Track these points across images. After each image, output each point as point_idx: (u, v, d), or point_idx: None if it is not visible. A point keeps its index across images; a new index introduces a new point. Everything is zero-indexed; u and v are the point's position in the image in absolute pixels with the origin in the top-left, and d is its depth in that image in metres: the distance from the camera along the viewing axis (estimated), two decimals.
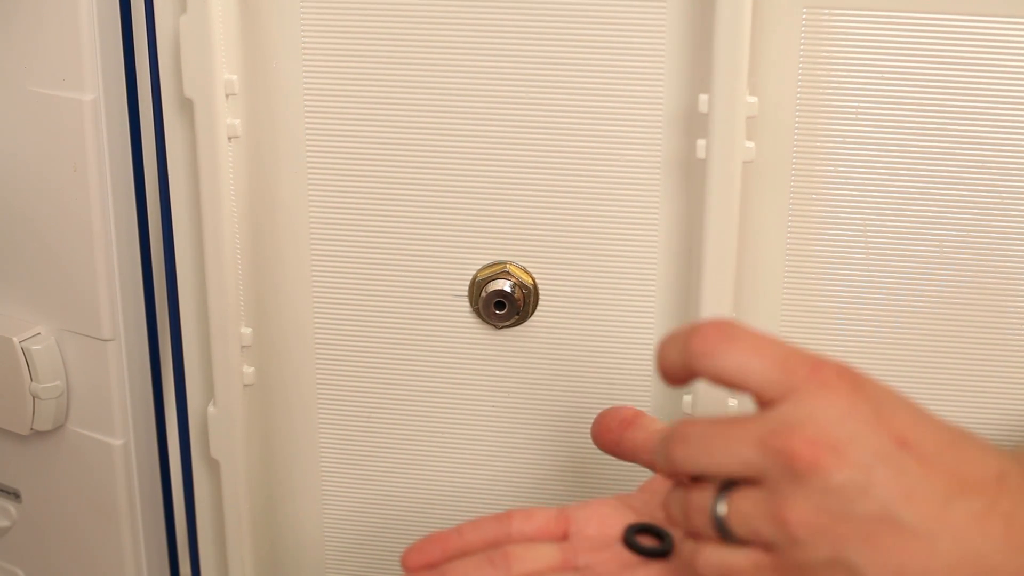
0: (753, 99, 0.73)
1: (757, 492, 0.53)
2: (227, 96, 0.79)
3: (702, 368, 0.54)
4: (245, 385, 0.85)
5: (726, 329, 0.54)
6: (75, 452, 0.93)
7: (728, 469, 0.53)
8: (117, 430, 0.91)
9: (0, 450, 0.96)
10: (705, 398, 0.78)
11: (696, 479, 0.56)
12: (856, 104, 0.75)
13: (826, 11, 0.73)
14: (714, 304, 0.76)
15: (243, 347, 0.84)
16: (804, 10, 0.73)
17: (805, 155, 0.76)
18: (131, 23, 0.83)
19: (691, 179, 0.77)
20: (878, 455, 0.51)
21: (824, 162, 0.76)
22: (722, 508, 0.54)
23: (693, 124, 0.76)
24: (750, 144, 0.73)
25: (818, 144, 0.76)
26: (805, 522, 0.51)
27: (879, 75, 0.74)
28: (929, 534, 0.51)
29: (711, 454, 0.54)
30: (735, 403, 0.80)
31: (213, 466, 0.88)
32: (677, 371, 0.56)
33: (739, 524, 0.54)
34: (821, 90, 0.75)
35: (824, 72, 0.74)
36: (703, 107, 0.73)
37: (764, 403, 0.54)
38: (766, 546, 0.53)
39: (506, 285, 0.82)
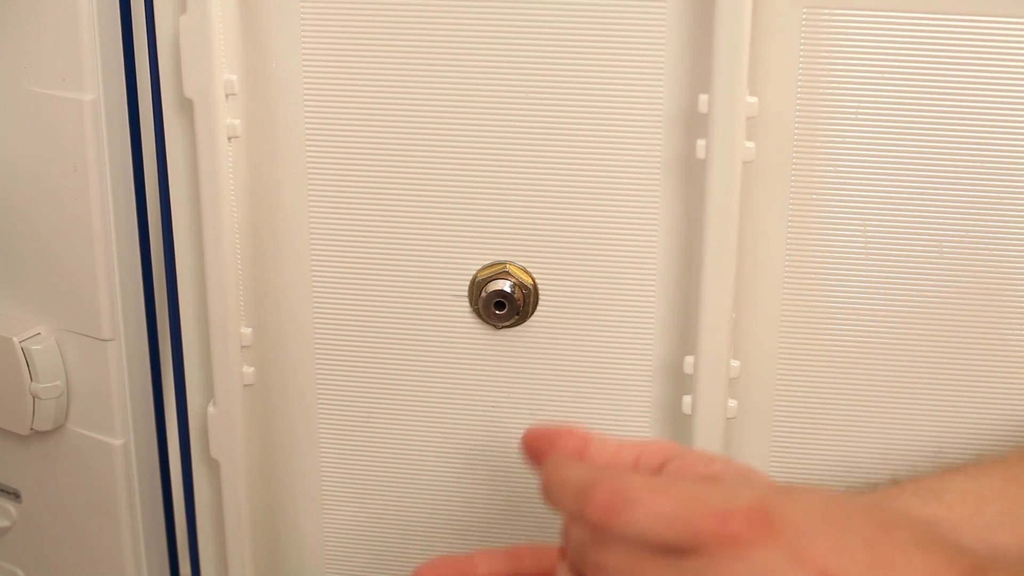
0: (753, 99, 0.73)
1: None
2: (227, 96, 0.79)
3: (608, 526, 0.52)
4: (245, 385, 0.85)
5: (620, 496, 0.52)
6: (75, 452, 0.93)
7: None
8: (117, 430, 0.91)
9: (0, 450, 0.96)
10: (705, 398, 0.78)
11: None
12: (856, 104, 0.75)
13: (826, 11, 0.73)
14: (714, 304, 0.76)
15: (243, 347, 0.84)
16: (804, 10, 0.73)
17: (805, 155, 0.76)
18: (131, 23, 0.83)
19: (691, 179, 0.77)
20: None
21: (824, 162, 0.76)
22: None
23: (693, 124, 0.76)
24: (750, 144, 0.73)
25: (818, 144, 0.76)
26: None
27: (879, 75, 0.74)
28: None
29: None
30: (734, 403, 0.80)
31: (213, 466, 0.88)
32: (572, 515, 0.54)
33: None
34: (821, 90, 0.75)
35: (824, 72, 0.74)
36: (703, 107, 0.73)
37: (679, 554, 0.51)
38: None
39: (506, 285, 0.82)
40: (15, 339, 0.89)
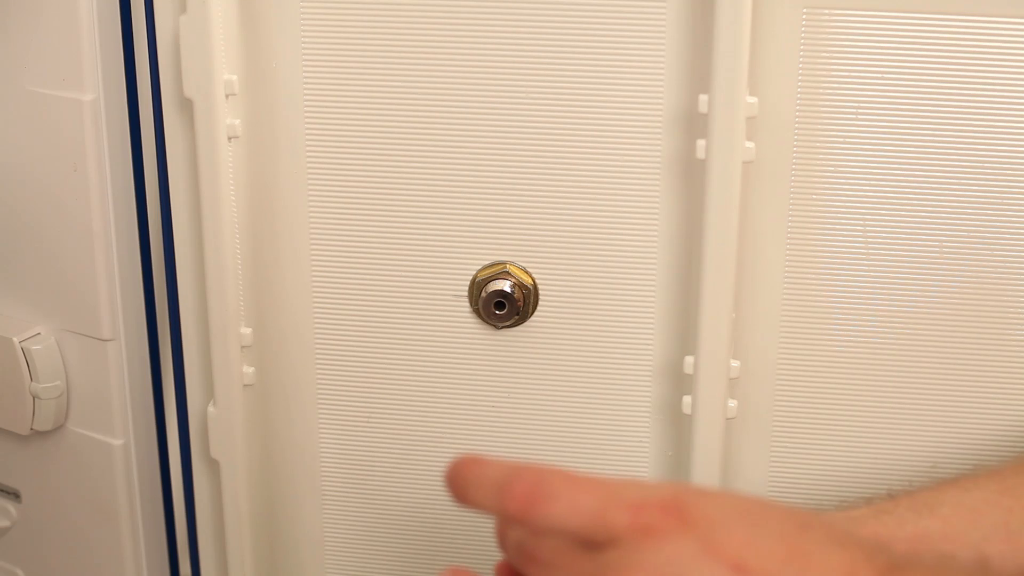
0: (753, 99, 0.73)
1: None
2: (227, 96, 0.79)
3: (529, 521, 0.52)
4: (245, 385, 0.85)
5: (539, 489, 0.52)
6: (75, 452, 0.93)
7: None
8: (117, 430, 0.91)
9: (0, 450, 0.96)
10: (705, 398, 0.78)
11: None
12: (856, 104, 0.75)
13: (826, 11, 0.73)
14: (714, 304, 0.76)
15: (243, 347, 0.84)
16: (804, 10, 0.73)
17: (805, 155, 0.76)
18: (131, 23, 0.83)
19: (691, 179, 0.77)
20: None
21: (824, 162, 0.76)
22: None
23: (693, 124, 0.76)
24: (750, 144, 0.73)
25: (818, 144, 0.76)
26: None
27: (879, 75, 0.74)
28: None
29: None
30: (734, 403, 0.80)
31: (213, 466, 0.88)
32: (490, 510, 0.54)
33: None
34: (821, 90, 0.75)
35: (824, 72, 0.74)
36: (703, 107, 0.73)
37: (594, 547, 0.51)
38: None
39: (506, 285, 0.82)
40: (15, 339, 0.89)
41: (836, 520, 0.67)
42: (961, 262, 0.77)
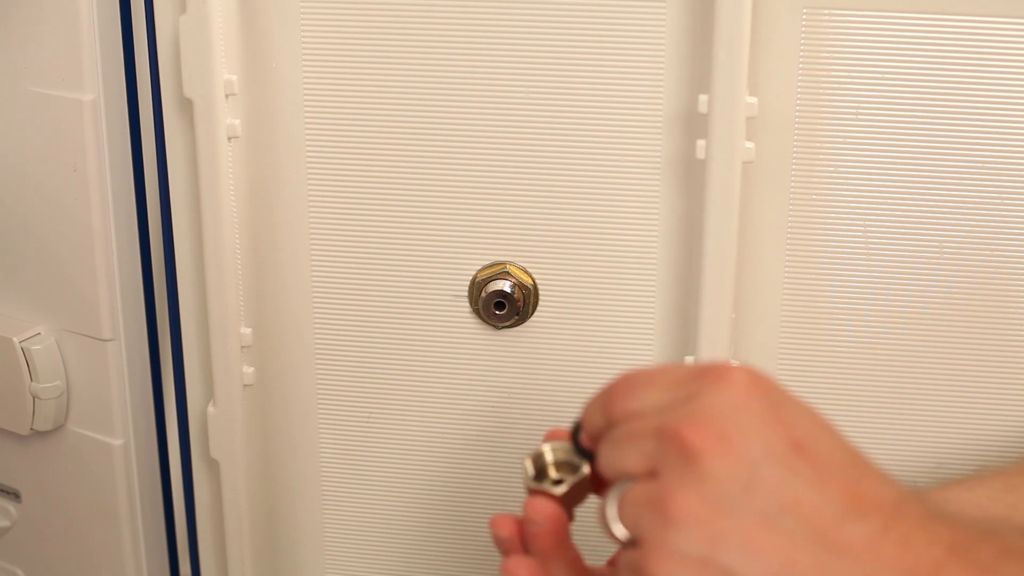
0: (753, 99, 0.73)
1: (648, 484, 0.51)
2: (227, 96, 0.79)
3: (619, 408, 0.54)
4: (245, 385, 0.85)
5: (637, 372, 0.55)
6: (75, 452, 0.93)
7: (634, 466, 0.52)
8: (117, 430, 0.91)
9: (0, 450, 0.96)
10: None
11: None
12: (856, 104, 0.75)
13: (826, 11, 0.73)
14: (714, 304, 0.76)
15: (243, 347, 0.84)
16: (804, 10, 0.73)
17: (805, 155, 0.76)
18: (131, 23, 0.83)
19: (691, 179, 0.77)
20: (768, 453, 0.50)
21: (824, 162, 0.76)
22: (611, 508, 0.53)
23: (693, 124, 0.76)
24: (750, 144, 0.73)
25: (818, 144, 0.76)
26: (685, 511, 0.49)
27: (879, 75, 0.74)
28: (815, 548, 0.49)
29: (621, 451, 0.53)
30: (736, 364, 0.79)
31: (213, 466, 0.88)
32: (599, 428, 0.56)
33: (627, 517, 0.52)
34: (821, 90, 0.75)
35: (824, 72, 0.74)
36: (703, 107, 0.73)
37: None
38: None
39: (506, 285, 0.82)
40: (15, 339, 0.89)
41: None
42: (961, 262, 0.77)
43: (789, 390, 0.53)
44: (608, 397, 0.55)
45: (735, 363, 0.53)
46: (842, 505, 0.49)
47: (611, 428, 0.55)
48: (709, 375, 0.52)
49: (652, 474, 0.51)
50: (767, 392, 0.52)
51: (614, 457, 0.53)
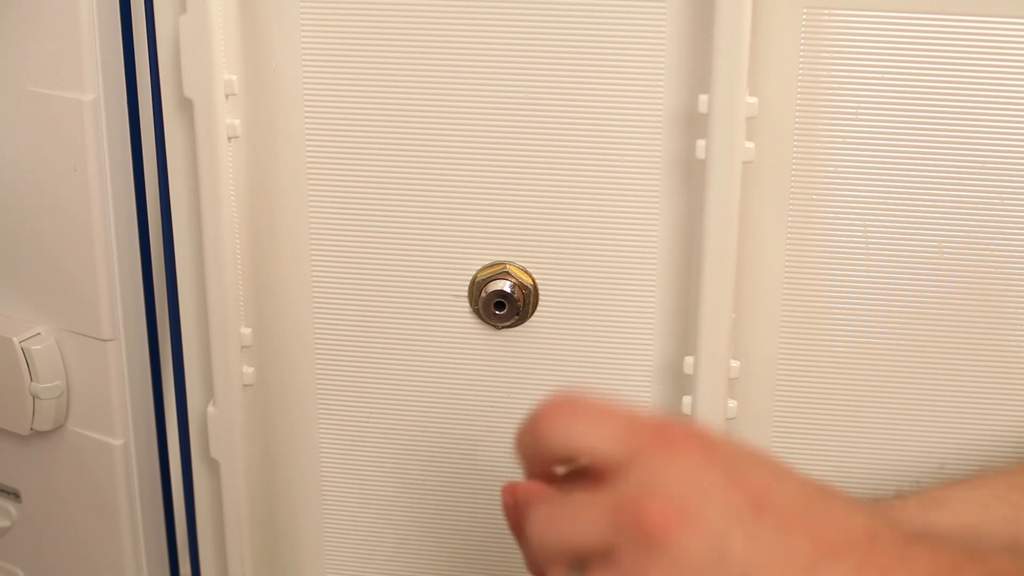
0: (753, 99, 0.73)
1: (612, 569, 0.49)
2: (227, 96, 0.79)
3: (549, 445, 0.52)
4: (245, 385, 0.85)
5: (568, 405, 0.52)
6: (75, 452, 0.93)
7: (583, 546, 0.50)
8: (117, 430, 0.91)
9: (0, 450, 0.96)
10: (705, 399, 0.78)
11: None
12: (856, 104, 0.75)
13: (826, 11, 0.73)
14: (714, 304, 0.76)
15: (243, 347, 0.84)
16: (804, 10, 0.73)
17: (805, 155, 0.76)
18: (131, 23, 0.83)
19: (691, 179, 0.77)
20: (733, 519, 0.48)
21: (824, 162, 0.76)
22: None
23: (693, 124, 0.76)
24: (750, 144, 0.73)
25: (818, 144, 0.76)
26: None
27: (879, 75, 0.74)
28: None
29: (564, 532, 0.51)
30: (734, 403, 0.80)
31: (213, 466, 0.88)
32: (533, 458, 0.54)
33: None
34: (821, 90, 0.75)
35: (824, 72, 0.74)
36: (703, 107, 0.73)
37: (614, 473, 0.51)
38: None
39: (506, 285, 0.82)
40: (15, 339, 0.89)
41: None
42: (961, 262, 0.77)
43: (736, 442, 0.52)
44: (540, 429, 0.53)
45: (678, 422, 0.52)
46: (812, 553, 0.48)
47: (542, 466, 0.54)
48: (658, 440, 0.50)
49: (608, 554, 0.49)
50: (717, 453, 0.50)
51: (557, 526, 0.51)
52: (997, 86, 0.73)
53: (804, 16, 0.73)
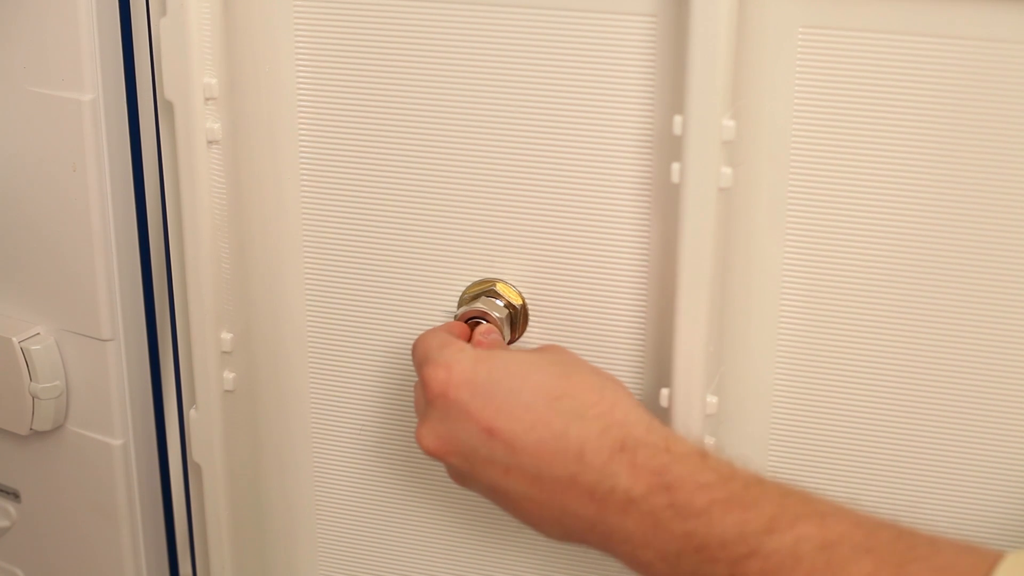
0: (731, 123, 0.69)
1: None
2: (206, 100, 0.77)
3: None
4: (225, 391, 0.84)
5: (421, 338, 0.75)
6: (75, 452, 0.93)
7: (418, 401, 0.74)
8: (116, 430, 0.91)
9: (0, 450, 0.96)
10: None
11: None
12: (853, 127, 0.71)
13: (822, 31, 0.70)
14: (689, 336, 0.72)
15: (224, 352, 0.83)
16: (800, 30, 0.70)
17: (801, 179, 0.73)
18: (130, 23, 0.83)
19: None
20: (473, 442, 0.69)
21: (820, 188, 0.73)
22: None
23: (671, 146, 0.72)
24: (727, 170, 0.70)
25: (814, 168, 0.72)
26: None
27: (876, 97, 0.70)
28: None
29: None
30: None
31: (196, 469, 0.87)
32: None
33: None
34: (818, 112, 0.71)
35: (820, 94, 0.71)
36: (677, 129, 0.69)
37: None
38: None
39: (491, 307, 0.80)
40: (15, 339, 0.90)
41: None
42: (962, 295, 0.73)
43: (494, 365, 0.69)
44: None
45: (451, 366, 0.70)
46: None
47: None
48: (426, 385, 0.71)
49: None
50: (470, 390, 0.68)
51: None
52: (997, 109, 0.69)
53: (800, 36, 0.70)
